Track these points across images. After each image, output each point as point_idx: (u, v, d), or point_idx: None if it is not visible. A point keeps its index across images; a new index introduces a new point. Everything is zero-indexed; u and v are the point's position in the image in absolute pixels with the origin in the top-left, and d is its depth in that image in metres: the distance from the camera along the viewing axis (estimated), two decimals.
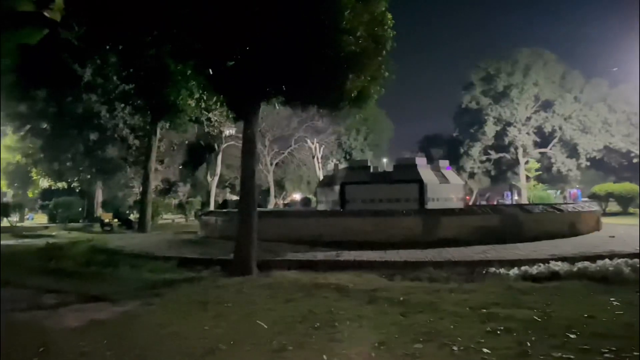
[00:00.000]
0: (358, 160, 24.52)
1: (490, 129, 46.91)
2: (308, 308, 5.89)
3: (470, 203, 40.07)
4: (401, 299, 6.36)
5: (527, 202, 35.05)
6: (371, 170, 16.98)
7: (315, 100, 9.71)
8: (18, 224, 30.49)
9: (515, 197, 48.22)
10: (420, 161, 16.46)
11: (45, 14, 2.28)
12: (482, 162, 49.03)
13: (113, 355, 4.27)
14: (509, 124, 46.53)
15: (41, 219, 35.69)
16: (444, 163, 17.44)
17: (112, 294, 7.01)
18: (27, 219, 35.94)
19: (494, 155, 48.53)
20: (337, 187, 16.07)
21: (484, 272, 8.24)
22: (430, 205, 14.97)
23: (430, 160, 19.08)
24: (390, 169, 17.89)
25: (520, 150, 46.95)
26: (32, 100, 23.46)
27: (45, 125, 25.99)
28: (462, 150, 48.97)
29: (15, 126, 26.45)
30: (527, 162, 46.44)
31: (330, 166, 33.04)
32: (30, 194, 37.64)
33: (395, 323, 5.18)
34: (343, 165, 20.41)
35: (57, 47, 19.72)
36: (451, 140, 52.59)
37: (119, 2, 8.64)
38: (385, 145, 52.74)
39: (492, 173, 50.29)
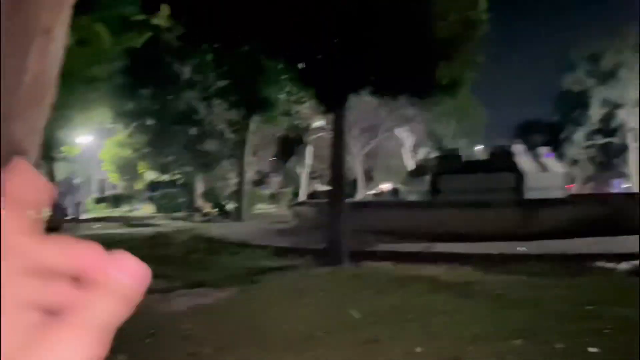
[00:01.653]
0: (450, 149, 23.84)
1: (596, 112, 43.41)
2: (400, 300, 5.88)
3: (573, 192, 37.51)
4: (498, 293, 6.15)
5: (638, 191, 32.11)
6: (464, 159, 16.43)
7: (405, 89, 9.58)
8: (128, 214, 33.21)
9: (625, 185, 44.36)
10: (518, 148, 15.64)
11: (153, 21, 2.46)
12: (586, 148, 45.56)
13: (217, 339, 4.55)
14: (617, 106, 42.76)
15: (148, 209, 38.55)
16: (543, 150, 16.44)
17: (214, 280, 7.44)
18: (136, 209, 38.97)
19: (599, 141, 44.88)
20: (427, 177, 15.75)
21: (588, 266, 7.71)
22: (528, 195, 14.21)
23: (529, 147, 18.06)
24: (484, 157, 17.19)
25: (629, 135, 43.01)
26: (138, 99, 25.33)
27: (150, 122, 27.96)
28: (563, 136, 45.85)
29: (124, 123, 28.67)
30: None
31: (420, 155, 32.38)
32: (138, 186, 40.70)
33: (491, 318, 5.02)
34: (434, 154, 19.93)
35: (158, 47, 21.12)
36: (551, 125, 49.35)
37: (214, 3, 9.07)
38: (479, 133, 50.63)
39: (598, 160, 46.58)
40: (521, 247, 9.27)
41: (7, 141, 1.48)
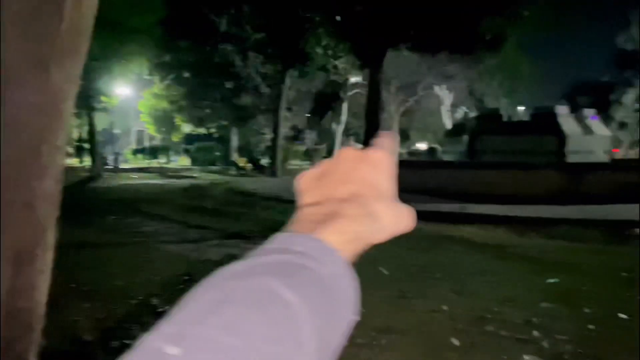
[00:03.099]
0: (490, 109, 23.21)
1: None
2: (431, 258, 5.89)
3: (620, 156, 36.06)
4: (533, 256, 6.08)
5: None
6: (504, 119, 15.97)
7: (446, 44, 9.27)
8: (165, 165, 34.02)
9: None
10: (562, 110, 15.06)
11: None
12: (636, 110, 43.45)
13: None
14: None
15: (184, 161, 39.35)
16: (589, 112, 15.78)
17: (247, 232, 7.62)
18: (173, 160, 39.84)
19: None
20: (465, 137, 15.43)
21: (629, 233, 7.50)
22: (571, 158, 13.78)
23: (574, 108, 17.35)
24: (527, 118, 16.67)
25: None
26: (175, 51, 25.42)
27: (187, 75, 28.13)
28: (612, 98, 43.77)
29: (161, 76, 28.96)
30: None
31: (460, 115, 31.67)
32: (174, 139, 41.44)
33: (524, 281, 4.99)
34: (473, 114, 19.44)
35: None
36: (601, 86, 47.11)
37: None
38: (524, 93, 48.76)
39: None
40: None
41: (45, 89, 1.51)
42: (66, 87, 1.49)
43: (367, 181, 0.41)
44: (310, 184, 0.42)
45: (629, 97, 42.69)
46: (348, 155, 0.43)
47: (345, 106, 37.46)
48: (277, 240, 0.35)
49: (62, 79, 1.46)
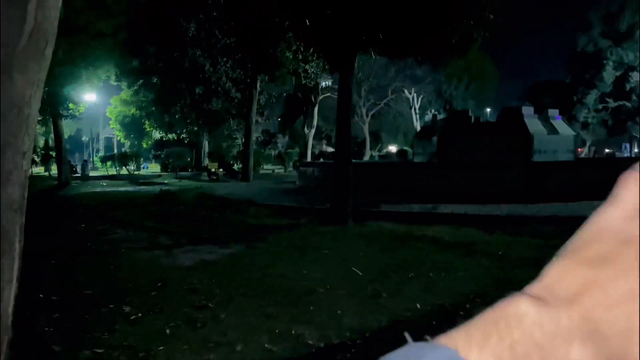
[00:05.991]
0: (458, 110, 23.64)
1: (609, 75, 42.50)
2: (403, 258, 5.95)
3: (582, 155, 37.14)
4: (500, 253, 6.20)
5: None
6: (472, 120, 16.28)
7: (414, 47, 9.39)
8: (135, 172, 33.42)
9: (635, 150, 43.92)
10: (527, 110, 15.44)
11: None
12: (597, 111, 44.84)
13: (222, 293, 4.66)
14: (632, 69, 41.83)
15: (155, 167, 38.77)
16: (553, 112, 16.21)
17: (219, 237, 7.56)
18: (143, 167, 39.20)
19: (612, 104, 44.12)
20: (435, 139, 15.66)
21: None
22: (536, 157, 14.15)
23: (539, 109, 17.81)
24: (493, 119, 17.03)
25: None
26: (143, 56, 25.03)
27: (155, 80, 27.72)
28: (575, 99, 45.08)
29: (129, 81, 28.46)
30: None
31: (429, 117, 32.07)
32: (144, 145, 40.78)
33: (493, 277, 5.09)
34: (442, 116, 19.76)
35: (163, 2, 20.77)
36: (563, 87, 48.38)
37: None
38: (490, 94, 49.87)
39: (609, 123, 45.92)
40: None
41: (7, 93, 1.48)
42: (30, 92, 1.47)
43: None
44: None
45: (590, 97, 44.03)
46: None
47: (316, 110, 37.56)
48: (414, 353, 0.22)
49: (26, 83, 1.44)
